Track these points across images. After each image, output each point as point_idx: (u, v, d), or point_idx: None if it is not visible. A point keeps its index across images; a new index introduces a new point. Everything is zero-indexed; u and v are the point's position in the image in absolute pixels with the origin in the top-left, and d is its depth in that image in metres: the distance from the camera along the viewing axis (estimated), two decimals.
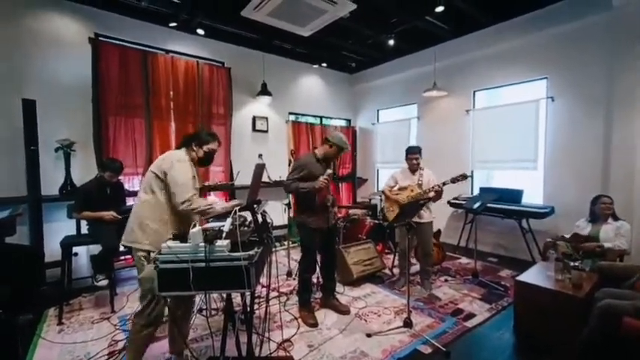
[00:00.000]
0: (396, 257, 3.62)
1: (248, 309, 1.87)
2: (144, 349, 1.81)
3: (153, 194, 1.78)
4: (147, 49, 4.05)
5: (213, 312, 2.65)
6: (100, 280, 3.06)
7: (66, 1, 3.54)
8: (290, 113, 5.67)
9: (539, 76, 4.05)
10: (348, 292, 3.14)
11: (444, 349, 2.15)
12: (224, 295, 2.09)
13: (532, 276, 2.47)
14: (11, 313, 1.69)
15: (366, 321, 2.58)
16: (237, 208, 1.69)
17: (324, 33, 4.11)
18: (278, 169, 4.98)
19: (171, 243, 1.54)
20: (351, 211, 4.85)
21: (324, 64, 5.90)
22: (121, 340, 2.27)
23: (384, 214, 3.37)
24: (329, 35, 4.39)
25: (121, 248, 2.15)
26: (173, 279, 1.49)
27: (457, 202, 4.52)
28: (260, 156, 4.99)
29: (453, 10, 3.79)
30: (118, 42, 3.87)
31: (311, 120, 6.06)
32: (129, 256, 3.62)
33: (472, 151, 4.68)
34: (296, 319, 2.58)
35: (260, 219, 1.81)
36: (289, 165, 3.15)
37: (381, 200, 5.21)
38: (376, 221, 4.36)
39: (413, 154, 3.10)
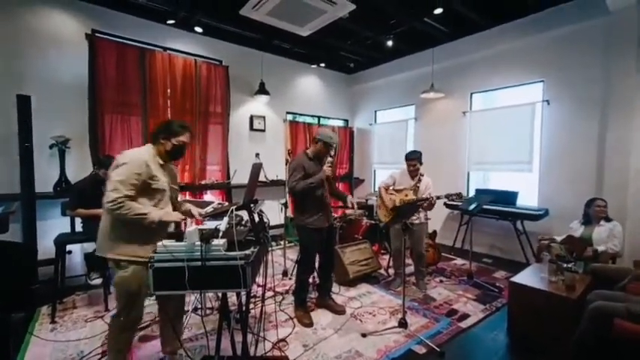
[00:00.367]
0: (391, 258, 3.63)
1: (243, 308, 1.87)
2: (125, 353, 1.77)
3: None
4: (144, 46, 4.02)
5: (208, 311, 2.64)
6: (94, 279, 3.04)
7: None
8: (288, 113, 5.67)
9: (535, 79, 4.09)
10: (343, 292, 3.14)
11: (438, 350, 2.17)
12: (219, 294, 2.08)
13: (526, 277, 2.50)
14: (4, 311, 1.67)
15: (361, 321, 2.59)
16: (233, 208, 1.69)
17: (323, 33, 4.11)
18: (275, 169, 4.98)
19: (166, 242, 1.53)
20: (347, 211, 4.86)
21: (323, 64, 5.90)
22: None
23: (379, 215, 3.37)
24: (328, 35, 4.39)
25: None
26: (168, 278, 1.48)
27: (453, 203, 4.54)
28: (257, 155, 4.98)
29: (452, 13, 3.82)
30: (115, 39, 3.84)
31: (309, 120, 6.06)
32: None
33: (468, 152, 4.71)
34: (291, 318, 2.58)
35: (257, 218, 1.81)
36: (286, 164, 3.15)
37: (376, 201, 5.24)
38: (372, 221, 4.37)
39: (411, 160, 3.04)
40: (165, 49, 4.24)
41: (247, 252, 1.52)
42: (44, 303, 2.71)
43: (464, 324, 2.57)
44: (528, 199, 4.15)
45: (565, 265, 2.37)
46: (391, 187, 3.16)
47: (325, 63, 5.86)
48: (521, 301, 2.38)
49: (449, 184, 4.35)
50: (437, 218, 4.78)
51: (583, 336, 1.93)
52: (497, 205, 3.96)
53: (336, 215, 4.21)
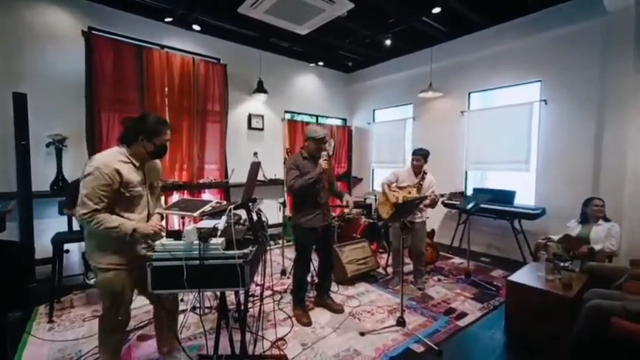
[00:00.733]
0: (390, 256, 3.64)
1: (242, 307, 1.87)
2: (118, 353, 1.76)
3: None
4: (142, 44, 3.99)
5: (206, 310, 2.64)
6: (92, 278, 3.02)
7: None
8: (286, 112, 5.66)
9: (533, 78, 4.10)
10: (342, 290, 3.15)
11: (436, 348, 2.17)
12: (218, 293, 2.08)
13: (523, 276, 2.51)
14: (1, 311, 1.66)
15: (359, 320, 2.59)
16: (231, 207, 1.68)
17: (322, 32, 4.10)
18: (273, 168, 4.97)
19: (164, 240, 1.53)
20: (345, 210, 4.86)
21: (321, 63, 5.89)
22: None
23: (379, 213, 3.38)
24: (326, 34, 4.38)
25: None
26: (167, 277, 1.47)
27: (451, 202, 4.56)
28: (255, 154, 4.98)
29: (450, 12, 3.82)
30: (112, 36, 3.82)
31: (307, 119, 6.05)
32: None
33: (466, 152, 4.72)
34: (290, 317, 2.58)
35: (255, 217, 1.80)
36: (284, 163, 3.14)
37: (375, 199, 5.24)
38: (371, 220, 4.38)
39: (415, 154, 3.14)
40: (162, 47, 4.21)
41: (246, 251, 1.51)
42: (42, 302, 2.70)
43: (461, 322, 2.58)
44: (526, 198, 4.17)
45: (562, 264, 2.38)
46: (394, 185, 3.17)
47: (324, 62, 5.85)
48: (518, 299, 2.39)
49: (447, 183, 4.35)
50: (435, 217, 4.79)
51: (580, 334, 1.95)
52: (494, 204, 3.97)
53: (334, 214, 4.21)
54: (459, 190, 2.93)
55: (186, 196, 4.27)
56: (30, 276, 2.37)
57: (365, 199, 5.66)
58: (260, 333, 2.20)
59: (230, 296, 2.41)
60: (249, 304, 2.39)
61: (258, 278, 1.88)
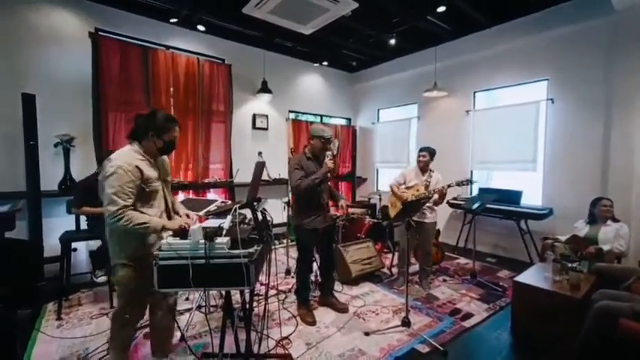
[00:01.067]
0: (396, 256, 3.63)
1: (247, 306, 1.88)
2: (127, 349, 1.79)
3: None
4: (147, 44, 4.03)
5: (211, 309, 2.65)
6: (99, 276, 3.07)
7: None
8: (290, 111, 5.67)
9: (539, 77, 4.06)
10: (346, 290, 3.15)
11: (441, 349, 2.16)
12: (223, 292, 2.09)
13: (530, 277, 2.49)
14: (11, 308, 1.69)
15: (364, 320, 2.59)
16: (237, 206, 1.69)
17: (326, 31, 4.10)
18: (277, 167, 4.99)
19: (171, 240, 1.54)
20: (350, 210, 4.86)
21: (325, 63, 5.89)
22: None
23: (383, 213, 3.38)
24: (330, 34, 4.38)
25: None
26: (173, 276, 1.49)
27: (456, 202, 4.53)
28: (260, 154, 4.99)
29: (455, 11, 3.79)
30: (118, 37, 3.86)
31: (311, 118, 6.05)
32: None
33: (472, 151, 4.69)
34: (294, 317, 2.59)
35: (260, 217, 1.81)
36: (289, 163, 3.16)
37: (380, 199, 5.23)
38: (375, 220, 4.37)
39: (421, 151, 3.18)
40: (168, 47, 4.25)
41: (251, 250, 1.52)
42: (50, 300, 2.74)
43: (467, 323, 2.57)
44: (532, 198, 4.13)
45: (570, 265, 2.35)
46: (403, 186, 3.17)
47: (328, 61, 5.85)
48: (525, 300, 2.37)
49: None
50: (440, 217, 4.72)
51: (587, 335, 1.92)
52: (500, 204, 3.94)
53: (338, 214, 4.21)
54: (465, 178, 2.94)
55: (191, 195, 4.30)
56: (39, 274, 2.41)
57: (369, 199, 5.65)
58: (265, 332, 2.21)
59: (235, 295, 2.42)
60: (254, 303, 2.40)
61: (263, 277, 1.89)
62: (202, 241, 1.48)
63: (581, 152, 3.70)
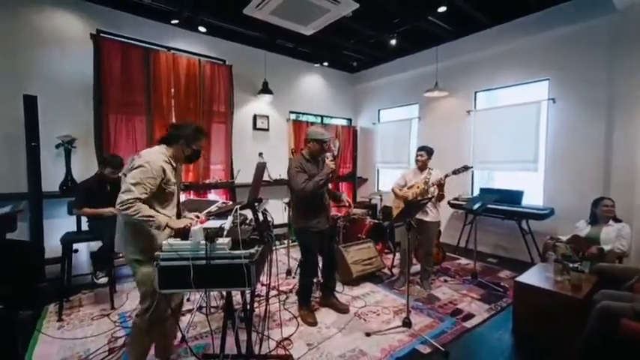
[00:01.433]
0: (397, 256, 3.62)
1: (248, 307, 1.88)
2: (147, 351, 1.79)
3: None
4: (149, 46, 4.04)
5: (212, 310, 2.65)
6: (100, 277, 3.07)
7: None
8: (291, 112, 5.67)
9: (540, 77, 4.05)
10: (347, 291, 3.14)
11: (442, 349, 2.16)
12: (224, 293, 2.09)
13: (531, 277, 2.48)
14: (12, 309, 1.69)
15: (365, 320, 2.59)
16: (237, 207, 1.69)
17: (326, 32, 4.10)
18: (278, 168, 4.98)
19: (172, 240, 1.54)
20: (350, 211, 4.85)
21: (326, 64, 5.90)
22: (121, 337, 2.27)
23: (384, 213, 3.38)
24: (331, 34, 4.38)
25: None
26: (174, 276, 1.49)
27: (457, 202, 4.52)
28: (260, 154, 4.99)
29: (455, 11, 3.80)
30: (119, 39, 3.87)
31: (312, 119, 6.06)
32: None
33: (473, 151, 4.68)
34: (295, 317, 2.58)
35: (261, 217, 1.81)
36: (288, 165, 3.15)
37: (380, 200, 5.23)
38: (376, 221, 4.36)
39: (418, 150, 3.20)
40: (169, 48, 4.26)
41: (252, 251, 1.52)
42: (51, 301, 2.74)
43: (468, 324, 2.56)
44: (533, 198, 4.12)
45: (571, 265, 2.35)
46: (405, 188, 3.17)
47: (328, 62, 5.86)
48: (526, 300, 2.37)
49: (452, 182, 4.31)
50: (441, 218, 4.74)
51: (589, 336, 1.92)
52: (502, 204, 3.93)
53: (339, 214, 4.21)
54: (462, 165, 2.96)
55: (192, 196, 4.30)
56: (40, 275, 2.42)
57: (370, 199, 5.64)
58: (266, 333, 2.21)
59: (236, 296, 2.42)
60: (255, 304, 2.40)
61: (263, 278, 1.89)
62: (203, 241, 1.48)
63: (583, 152, 3.69)
